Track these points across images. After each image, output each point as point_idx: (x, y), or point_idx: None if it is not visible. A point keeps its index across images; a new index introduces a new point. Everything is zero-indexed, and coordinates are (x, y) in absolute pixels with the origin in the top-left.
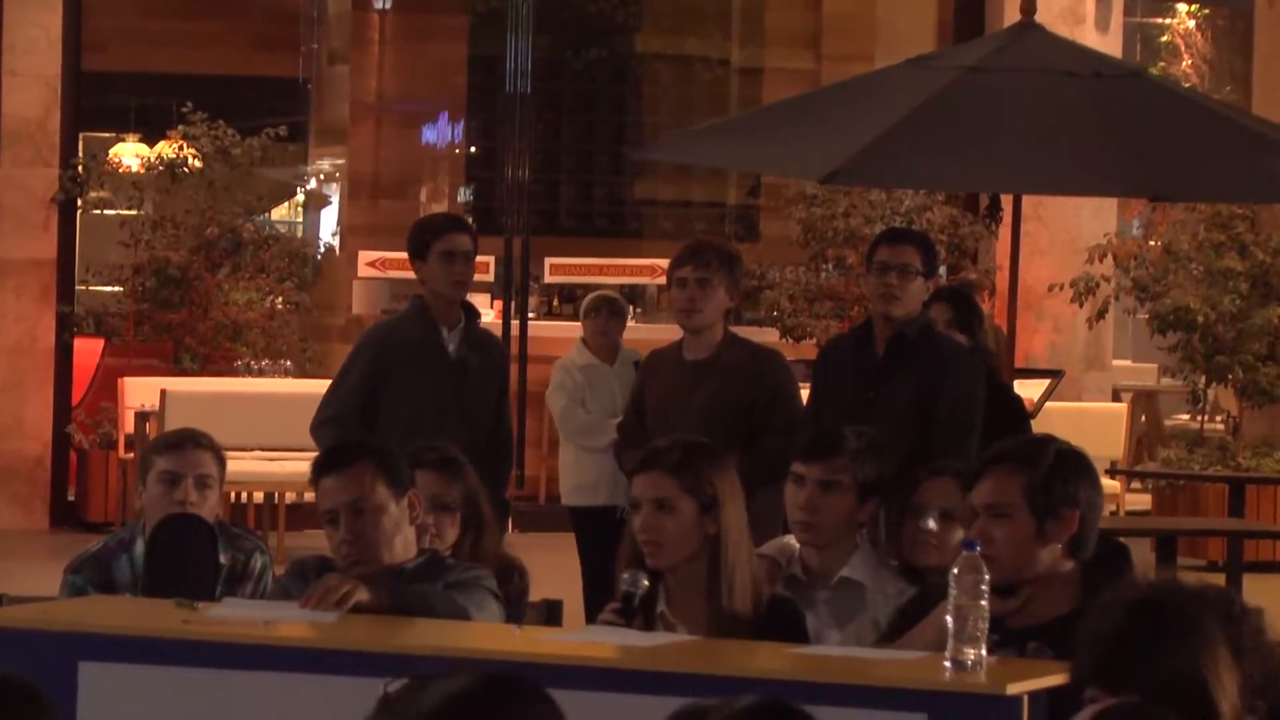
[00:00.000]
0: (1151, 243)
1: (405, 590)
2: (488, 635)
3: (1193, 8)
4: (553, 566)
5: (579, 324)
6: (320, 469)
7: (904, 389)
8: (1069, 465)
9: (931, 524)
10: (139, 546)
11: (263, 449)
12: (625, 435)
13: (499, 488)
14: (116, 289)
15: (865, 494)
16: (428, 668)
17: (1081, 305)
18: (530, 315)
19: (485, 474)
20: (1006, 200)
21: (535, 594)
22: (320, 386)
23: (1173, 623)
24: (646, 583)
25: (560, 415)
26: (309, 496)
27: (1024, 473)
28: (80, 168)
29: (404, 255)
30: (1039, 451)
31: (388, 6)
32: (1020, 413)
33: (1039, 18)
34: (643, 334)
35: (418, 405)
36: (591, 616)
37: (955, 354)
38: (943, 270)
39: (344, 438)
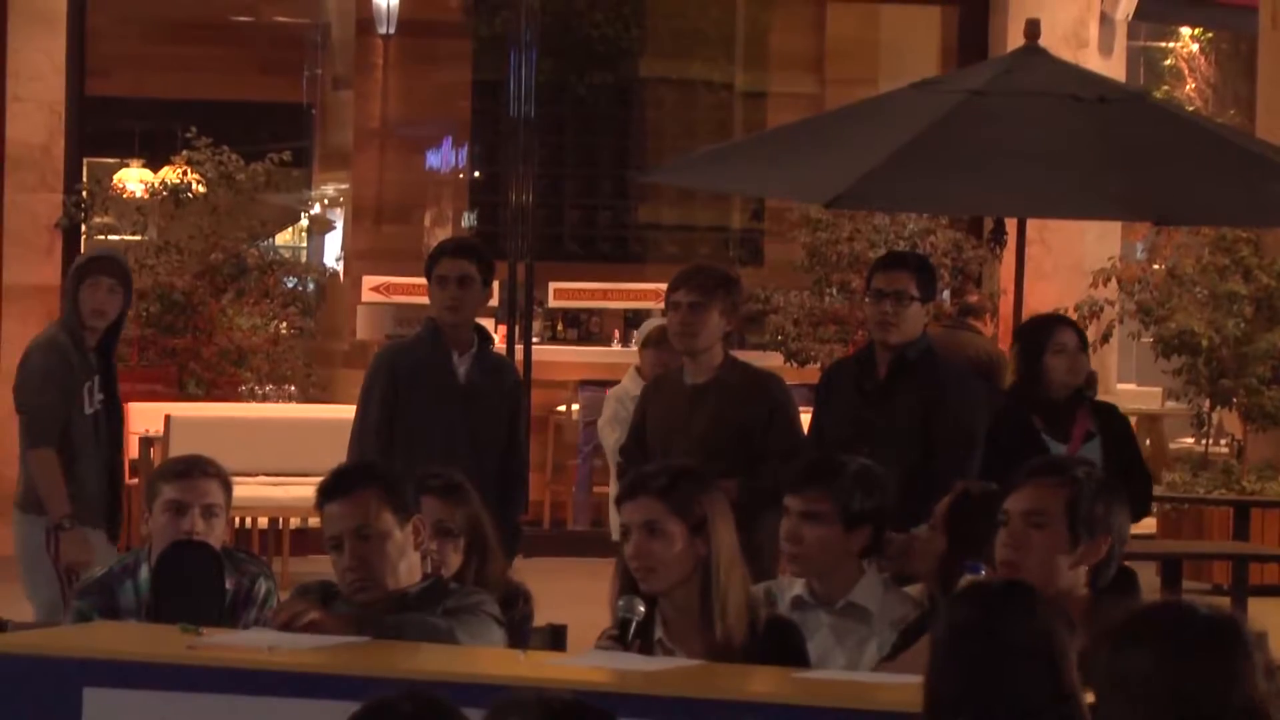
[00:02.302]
0: (1155, 266)
1: (381, 622)
2: (493, 660)
3: (1196, 31)
4: (557, 591)
5: (583, 348)
6: (325, 495)
7: (905, 410)
8: (1111, 495)
9: (921, 531)
10: (144, 572)
11: (267, 474)
12: (626, 460)
13: (513, 514)
14: None
15: (855, 523)
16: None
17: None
18: (534, 340)
19: (497, 500)
20: (1010, 224)
21: (539, 619)
22: (324, 412)
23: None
24: (643, 609)
25: (613, 448)
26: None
27: (1070, 488)
28: (84, 193)
29: (408, 280)
30: (1086, 473)
31: (391, 31)
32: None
33: (1043, 42)
34: None
35: (424, 428)
36: None
37: (956, 375)
38: (945, 294)
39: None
